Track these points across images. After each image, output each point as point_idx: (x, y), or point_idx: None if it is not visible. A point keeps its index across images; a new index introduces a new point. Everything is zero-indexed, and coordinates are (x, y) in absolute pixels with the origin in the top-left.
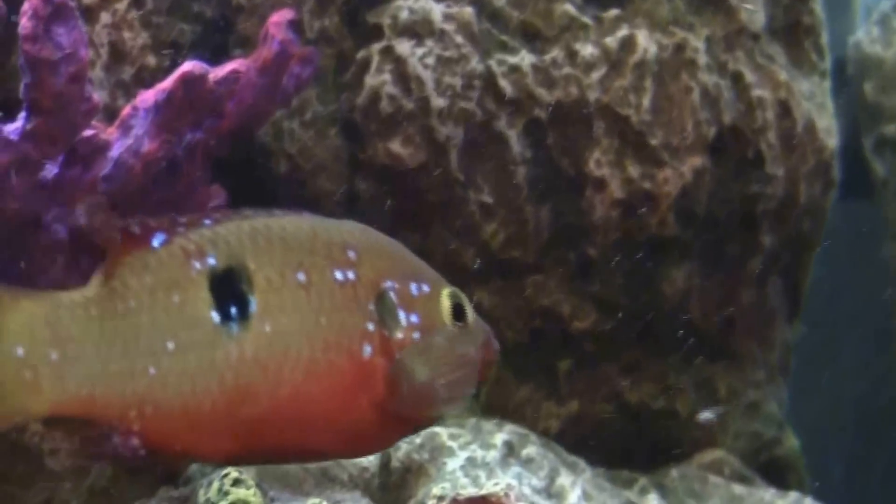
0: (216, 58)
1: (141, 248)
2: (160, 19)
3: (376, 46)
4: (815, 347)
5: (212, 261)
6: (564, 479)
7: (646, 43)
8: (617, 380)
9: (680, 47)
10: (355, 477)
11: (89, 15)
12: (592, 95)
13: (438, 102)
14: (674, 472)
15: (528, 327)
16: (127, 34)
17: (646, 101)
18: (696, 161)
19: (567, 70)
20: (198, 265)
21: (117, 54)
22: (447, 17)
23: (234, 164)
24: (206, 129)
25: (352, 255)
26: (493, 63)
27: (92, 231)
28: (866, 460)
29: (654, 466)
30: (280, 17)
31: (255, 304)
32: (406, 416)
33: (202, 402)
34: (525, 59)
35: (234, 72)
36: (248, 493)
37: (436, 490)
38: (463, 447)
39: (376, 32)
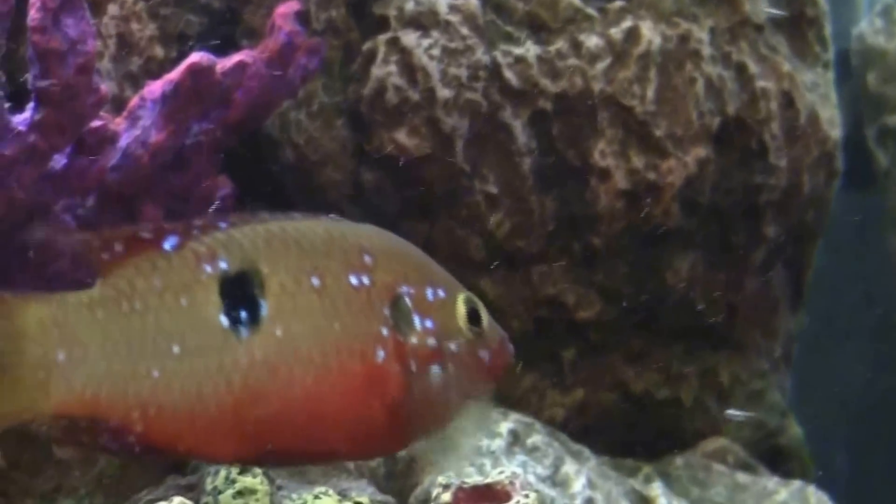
0: (223, 49)
1: (152, 251)
2: (167, 10)
3: (382, 38)
4: (819, 337)
5: (223, 264)
6: (569, 467)
7: (650, 34)
8: (621, 369)
9: (684, 38)
10: (361, 465)
11: (97, 6)
12: (597, 86)
13: (444, 93)
14: (678, 461)
15: (533, 316)
16: (135, 25)
17: (650, 92)
18: (700, 151)
19: (572, 61)
20: (209, 269)
21: (125, 45)
22: (452, 9)
23: (241, 154)
24: (213, 120)
25: (368, 259)
26: (498, 54)
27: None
28: (869, 449)
29: (658, 455)
30: (287, 9)
31: (266, 308)
32: (420, 418)
33: (208, 404)
34: (530, 50)
35: (241, 63)
36: (255, 481)
37: (441, 478)
38: None
39: (382, 24)
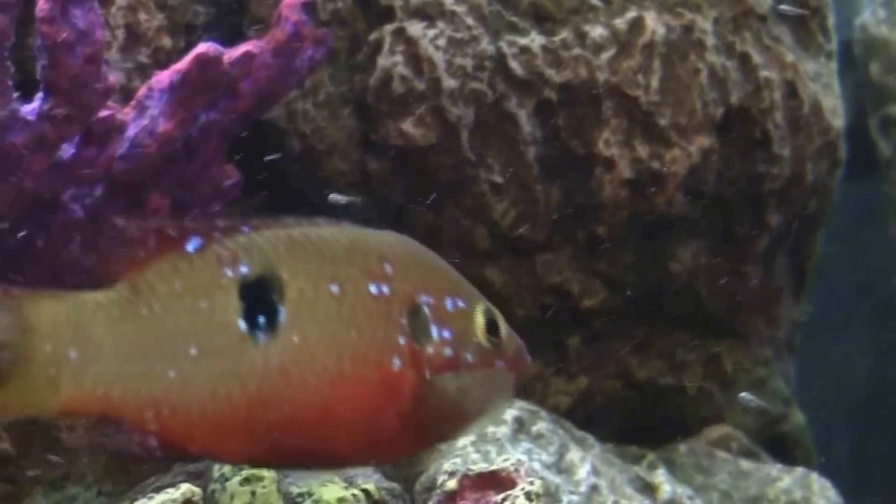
0: (230, 39)
1: (174, 251)
2: (175, 1)
3: (388, 28)
4: (821, 324)
5: (244, 269)
6: (574, 454)
7: (654, 24)
8: (625, 357)
9: (688, 29)
10: None
11: None
12: (601, 76)
13: (450, 83)
14: (682, 448)
15: (537, 305)
16: (142, 16)
17: (654, 82)
18: (704, 141)
19: (576, 51)
20: (229, 272)
21: (133, 36)
22: None
23: (248, 144)
24: (220, 110)
25: (388, 268)
26: (503, 44)
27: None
28: (872, 436)
29: (662, 442)
30: None
31: (284, 314)
32: (433, 428)
33: (223, 407)
34: (535, 40)
35: (248, 53)
36: None
37: (447, 466)
38: None
39: (388, 14)
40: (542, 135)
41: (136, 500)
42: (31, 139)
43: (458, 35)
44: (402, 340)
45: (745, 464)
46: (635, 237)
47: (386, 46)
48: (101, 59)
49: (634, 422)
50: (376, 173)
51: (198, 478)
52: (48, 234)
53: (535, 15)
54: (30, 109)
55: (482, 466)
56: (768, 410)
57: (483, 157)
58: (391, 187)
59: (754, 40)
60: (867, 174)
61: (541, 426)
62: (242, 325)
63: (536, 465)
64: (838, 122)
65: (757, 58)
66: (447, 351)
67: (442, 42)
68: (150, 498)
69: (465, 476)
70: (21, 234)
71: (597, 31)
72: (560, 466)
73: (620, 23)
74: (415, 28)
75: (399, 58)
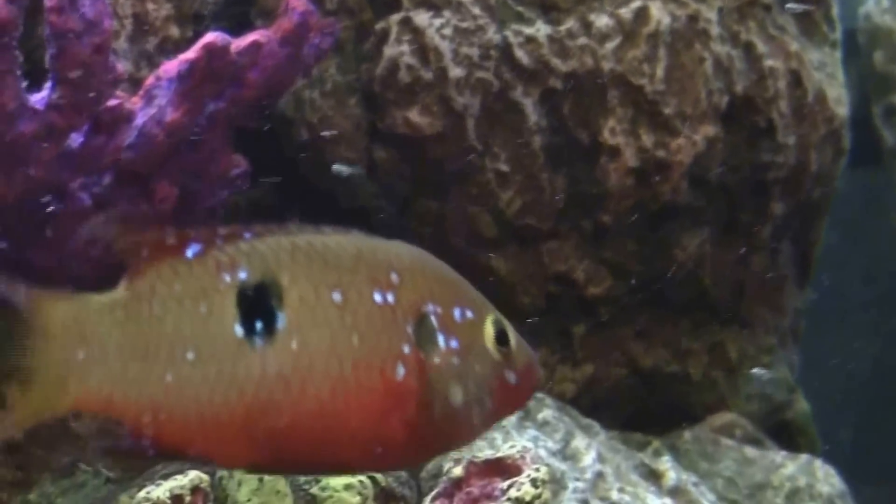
0: (238, 29)
1: (174, 256)
2: None
3: (395, 17)
4: (825, 312)
5: (243, 275)
6: (579, 441)
7: (659, 14)
8: (631, 344)
9: (693, 18)
10: None
11: None
12: (607, 65)
13: (456, 72)
14: (687, 435)
15: (543, 293)
16: (150, 5)
17: (659, 71)
18: (709, 130)
19: (582, 41)
20: (228, 278)
21: (141, 25)
22: None
23: (256, 133)
24: (227, 99)
25: (395, 277)
26: (509, 34)
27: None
28: (875, 423)
29: (667, 429)
30: None
31: (283, 320)
32: (440, 437)
33: (219, 412)
34: (541, 29)
35: (256, 43)
36: None
37: (453, 453)
38: None
39: (395, 4)
40: (547, 123)
41: (145, 486)
42: (39, 128)
43: (465, 24)
44: (406, 349)
45: (750, 451)
46: (640, 225)
47: (392, 36)
48: (109, 48)
49: (640, 409)
50: (383, 162)
51: (206, 464)
52: (56, 223)
53: (540, 4)
54: (38, 99)
55: (488, 453)
56: (773, 398)
57: (489, 146)
58: (398, 176)
59: (759, 29)
60: (871, 163)
61: (546, 413)
62: (239, 330)
63: (542, 452)
64: (842, 111)
65: (761, 47)
66: (454, 360)
67: (448, 31)
68: (158, 485)
69: (471, 463)
70: (29, 222)
71: (602, 21)
72: (565, 453)
73: (625, 12)
74: (421, 17)
75: (405, 47)
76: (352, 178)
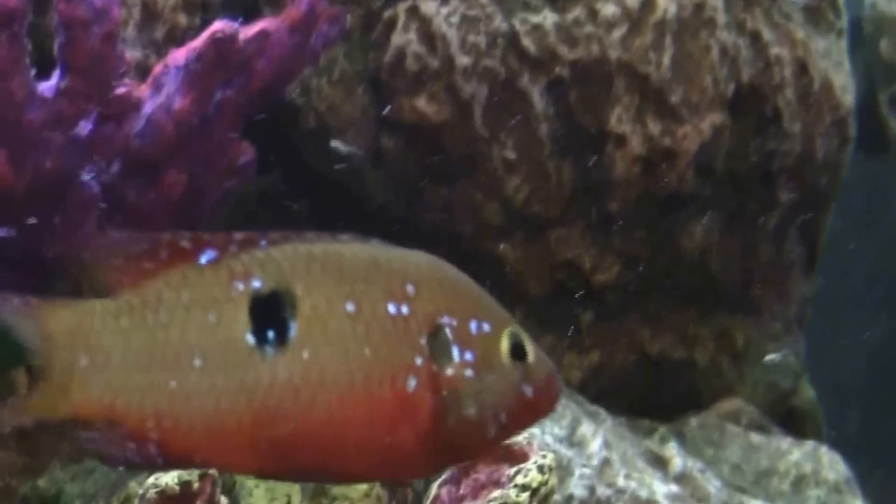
0: (246, 17)
1: (187, 263)
2: None
3: (402, 6)
4: (831, 300)
5: (257, 283)
6: (586, 428)
7: (665, 2)
8: (637, 331)
9: (699, 6)
10: None
11: None
12: (613, 54)
13: (463, 61)
14: (693, 422)
15: (550, 280)
16: None
17: (666, 60)
18: (715, 118)
19: (589, 29)
20: (241, 286)
21: (149, 13)
22: None
23: (263, 121)
24: (236, 88)
25: (410, 288)
26: (516, 22)
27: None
28: (881, 410)
29: (673, 416)
30: None
31: (295, 330)
32: (452, 449)
33: (226, 420)
34: (547, 18)
35: (264, 31)
36: None
37: None
38: None
39: None
40: (554, 112)
41: (153, 472)
42: (48, 116)
43: (472, 13)
44: (419, 361)
45: (756, 437)
46: (647, 213)
47: (400, 24)
48: (117, 36)
49: (646, 396)
50: (390, 150)
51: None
52: (65, 211)
53: None
54: (47, 87)
55: None
56: (779, 384)
57: (496, 134)
58: (405, 164)
59: (765, 18)
60: (876, 151)
61: None
62: (251, 338)
63: (549, 439)
64: (848, 99)
65: (767, 35)
66: (468, 373)
67: (455, 20)
68: (167, 471)
69: None
70: (38, 210)
71: (609, 9)
72: (572, 440)
73: (632, 1)
74: (428, 6)
75: (413, 35)
76: (351, 156)
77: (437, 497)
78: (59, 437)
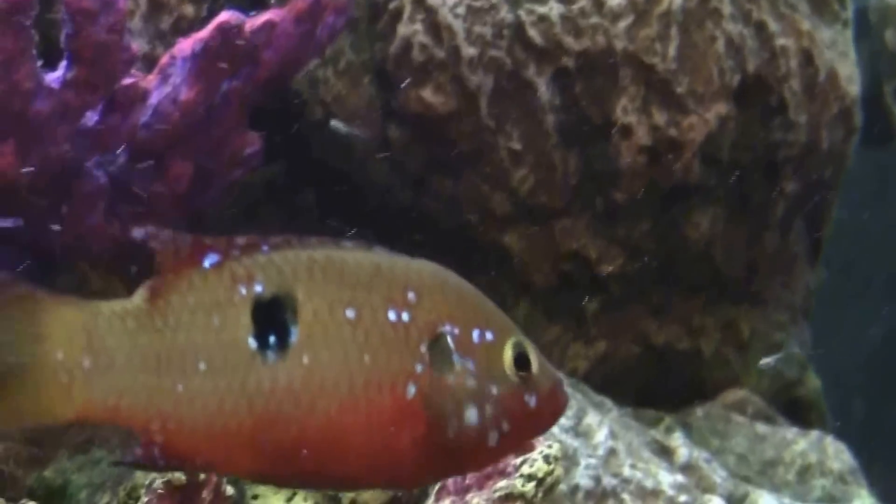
0: (252, 8)
1: (191, 267)
2: None
3: None
4: (836, 290)
5: (259, 288)
6: (592, 418)
7: None
8: (643, 321)
9: None
10: None
11: None
12: (619, 44)
13: (469, 51)
14: (698, 412)
15: (556, 270)
16: None
17: (671, 50)
18: (721, 108)
19: (594, 20)
20: (243, 290)
21: (156, 4)
22: None
23: (270, 111)
24: (242, 78)
25: (412, 296)
26: (522, 13)
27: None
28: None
29: (679, 406)
30: None
31: (296, 335)
32: (451, 458)
33: (228, 423)
34: (553, 8)
35: (270, 22)
36: None
37: None
38: None
39: None
40: (560, 102)
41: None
42: (55, 107)
43: (477, 3)
44: (419, 368)
45: (761, 427)
46: (653, 203)
47: (406, 15)
48: (123, 27)
49: (652, 386)
50: (396, 140)
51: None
52: (72, 201)
53: None
54: (54, 78)
55: None
56: (784, 374)
57: (502, 125)
58: (411, 154)
59: (770, 8)
60: (882, 141)
61: None
62: (253, 343)
63: (555, 429)
64: (854, 89)
65: (773, 25)
66: (469, 381)
67: (461, 10)
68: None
69: None
70: (45, 201)
71: (614, 0)
72: (578, 430)
73: None
74: None
75: (419, 26)
76: (350, 136)
77: (443, 487)
78: (65, 428)
